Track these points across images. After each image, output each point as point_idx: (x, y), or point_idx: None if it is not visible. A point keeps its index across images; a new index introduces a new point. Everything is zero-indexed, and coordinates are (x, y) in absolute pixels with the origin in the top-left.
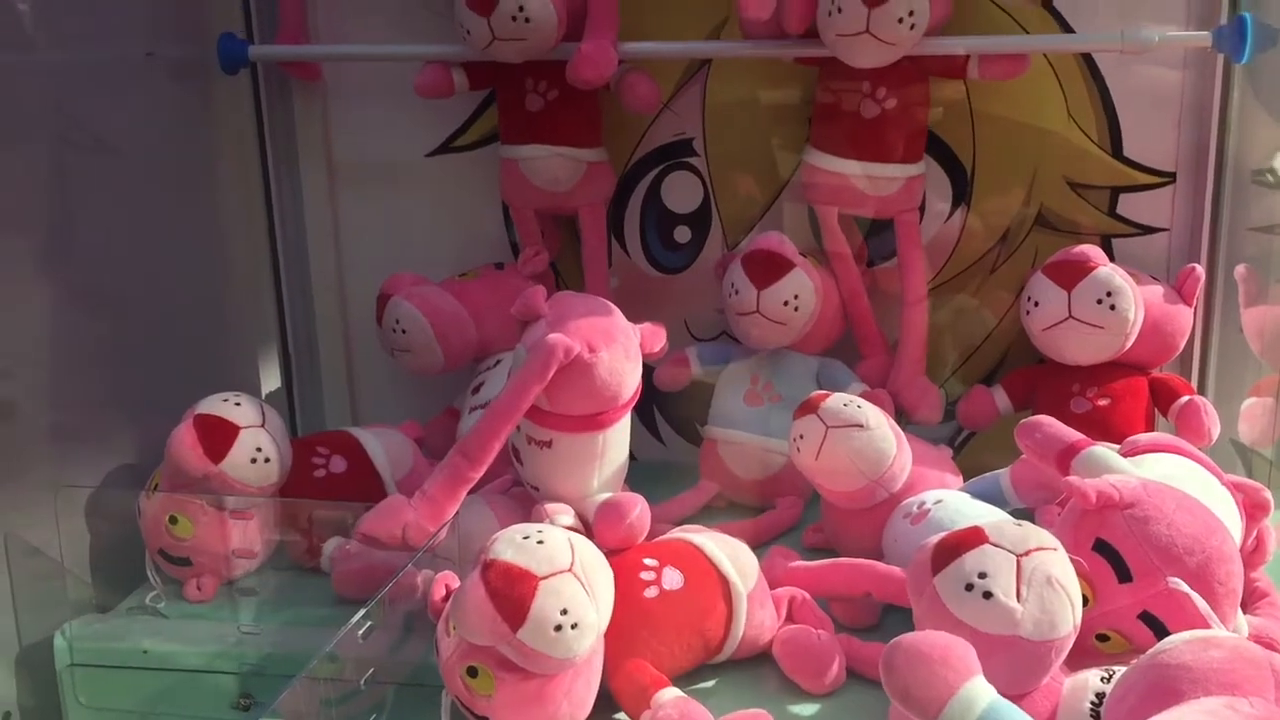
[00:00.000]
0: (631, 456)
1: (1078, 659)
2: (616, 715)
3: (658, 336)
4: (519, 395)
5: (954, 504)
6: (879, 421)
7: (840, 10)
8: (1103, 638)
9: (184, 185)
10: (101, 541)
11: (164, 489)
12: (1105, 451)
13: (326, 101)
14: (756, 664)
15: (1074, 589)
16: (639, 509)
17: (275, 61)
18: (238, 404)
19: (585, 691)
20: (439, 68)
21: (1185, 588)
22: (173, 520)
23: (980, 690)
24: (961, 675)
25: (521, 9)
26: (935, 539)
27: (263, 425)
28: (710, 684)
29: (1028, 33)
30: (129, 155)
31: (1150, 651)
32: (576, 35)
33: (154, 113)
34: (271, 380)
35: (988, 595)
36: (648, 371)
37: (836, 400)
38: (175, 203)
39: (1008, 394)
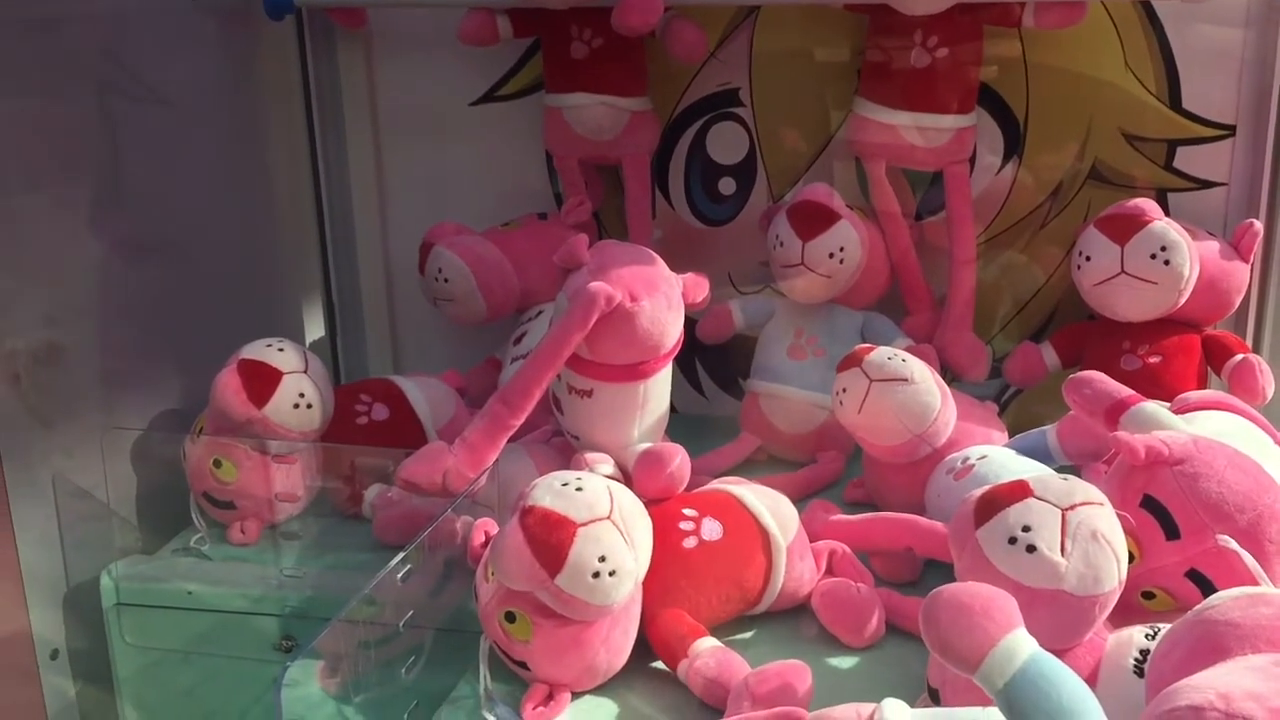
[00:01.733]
0: (672, 409)
1: (1123, 616)
2: (654, 663)
3: (700, 287)
4: (560, 343)
5: (999, 459)
6: (924, 376)
7: None
8: (1148, 595)
9: (229, 133)
10: (147, 484)
11: (209, 433)
12: (1155, 407)
13: (371, 49)
14: (795, 616)
15: (1119, 544)
16: (679, 459)
17: (320, 8)
18: (281, 350)
19: (623, 639)
20: (483, 14)
21: (1235, 545)
22: (217, 464)
23: (1022, 642)
24: (1003, 627)
25: None
26: (979, 492)
27: (305, 371)
28: (749, 635)
29: None
30: (175, 103)
31: (1197, 607)
32: None
33: (199, 60)
34: (315, 329)
35: (1031, 549)
36: (690, 323)
37: (881, 354)
38: (221, 151)
39: (1056, 351)
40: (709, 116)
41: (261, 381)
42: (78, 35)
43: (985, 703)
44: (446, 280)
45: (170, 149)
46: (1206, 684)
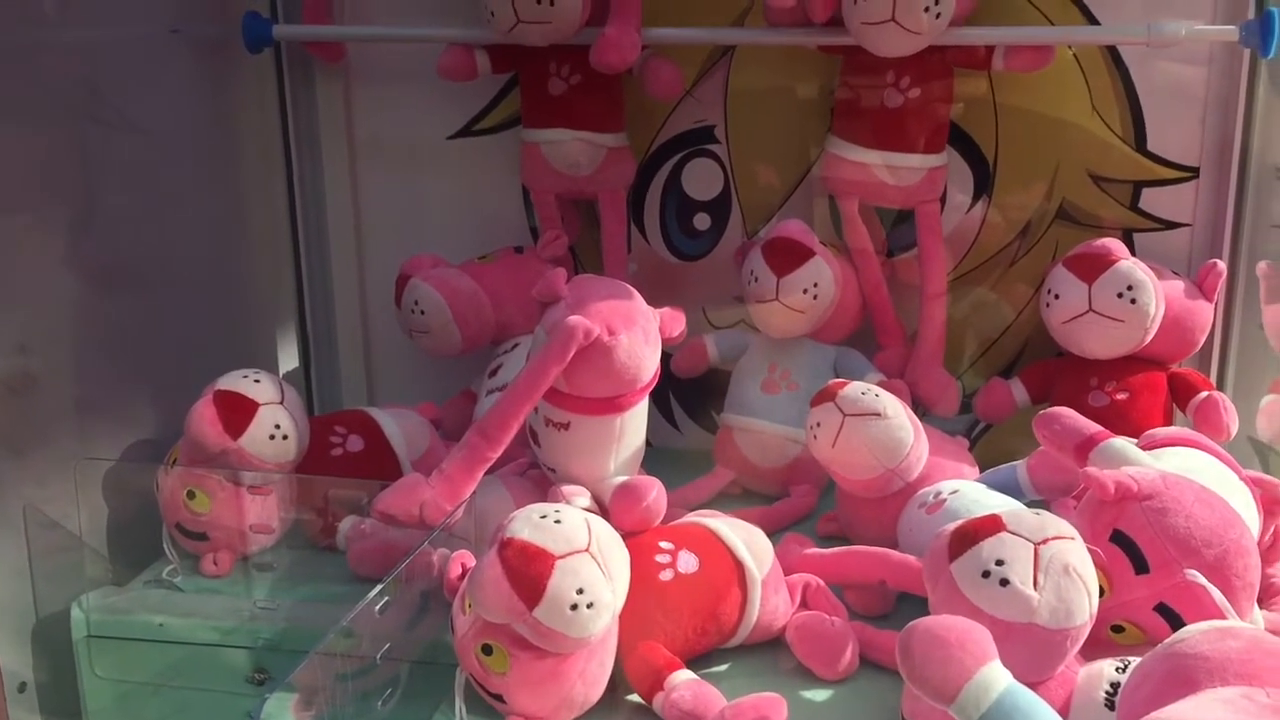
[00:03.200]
0: (646, 442)
1: (1093, 650)
2: (629, 695)
3: (677, 321)
4: (538, 376)
5: (970, 494)
6: (896, 410)
7: None
8: (1118, 629)
9: (207, 163)
10: (119, 515)
11: (182, 463)
12: (1124, 444)
13: (349, 82)
14: (770, 649)
15: (1091, 578)
16: (655, 492)
17: (299, 41)
18: (257, 381)
19: (599, 671)
20: (462, 50)
21: (1202, 580)
22: (190, 495)
23: (997, 674)
24: (978, 659)
25: None
26: (953, 526)
27: (281, 402)
28: (723, 668)
29: (1053, 24)
30: (153, 133)
31: (1167, 641)
32: (600, 20)
33: (178, 91)
34: (290, 360)
35: (1004, 582)
36: (665, 357)
37: (854, 389)
38: (198, 181)
39: (1025, 386)
40: (685, 153)
41: (237, 412)
42: (56, 65)
43: None
44: (422, 313)
45: (147, 178)
46: (1176, 716)
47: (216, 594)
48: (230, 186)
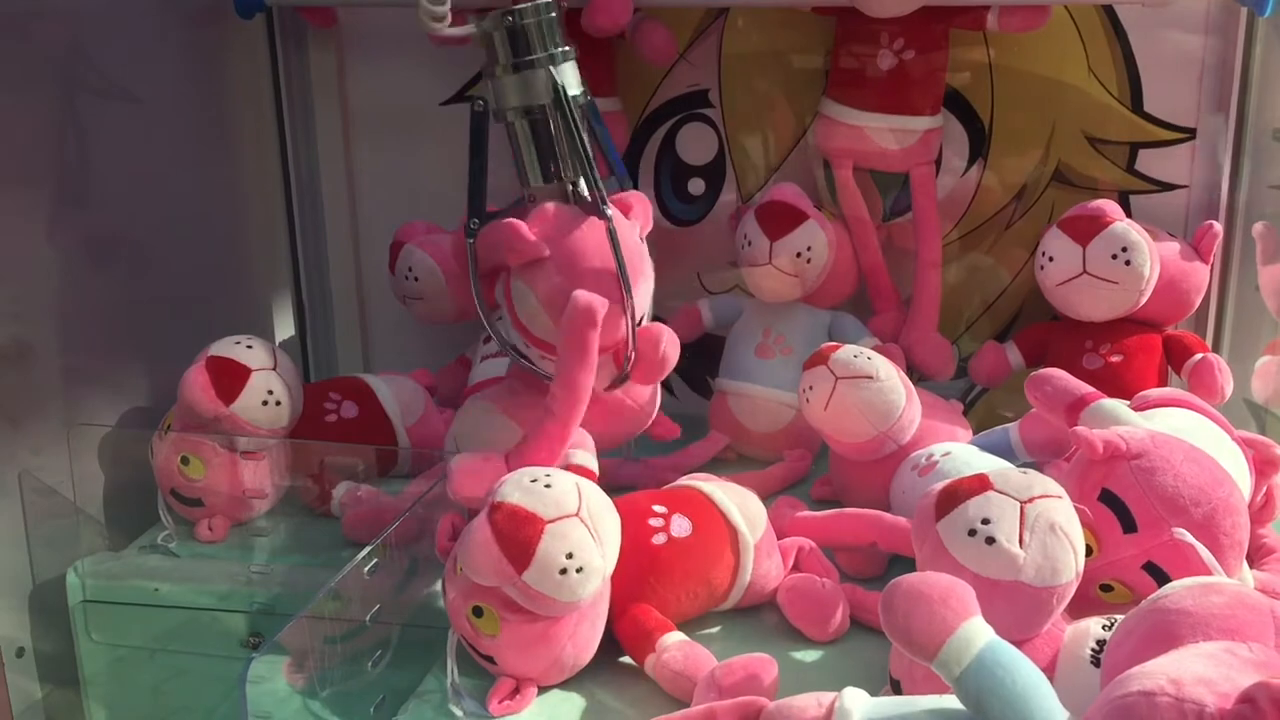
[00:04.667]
0: None
1: (1081, 609)
2: (621, 658)
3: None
4: (580, 355)
5: (962, 456)
6: (889, 373)
7: None
8: (1106, 588)
9: (198, 131)
10: (115, 481)
11: (176, 430)
12: (1114, 404)
13: (342, 48)
14: (762, 611)
15: (1077, 536)
16: (667, 338)
17: (291, 7)
18: (249, 347)
19: (590, 634)
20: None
21: (1190, 538)
22: (184, 461)
23: (979, 629)
24: (960, 615)
25: None
26: (940, 485)
27: (274, 368)
28: (715, 630)
29: None
30: (143, 100)
31: (1151, 597)
32: None
33: (168, 58)
34: (285, 327)
35: (990, 541)
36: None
37: (846, 351)
38: (190, 148)
39: (1020, 350)
40: (678, 117)
41: (230, 378)
42: (43, 33)
43: (944, 693)
44: (416, 279)
45: (138, 146)
46: (1159, 670)
47: (212, 559)
48: (223, 153)
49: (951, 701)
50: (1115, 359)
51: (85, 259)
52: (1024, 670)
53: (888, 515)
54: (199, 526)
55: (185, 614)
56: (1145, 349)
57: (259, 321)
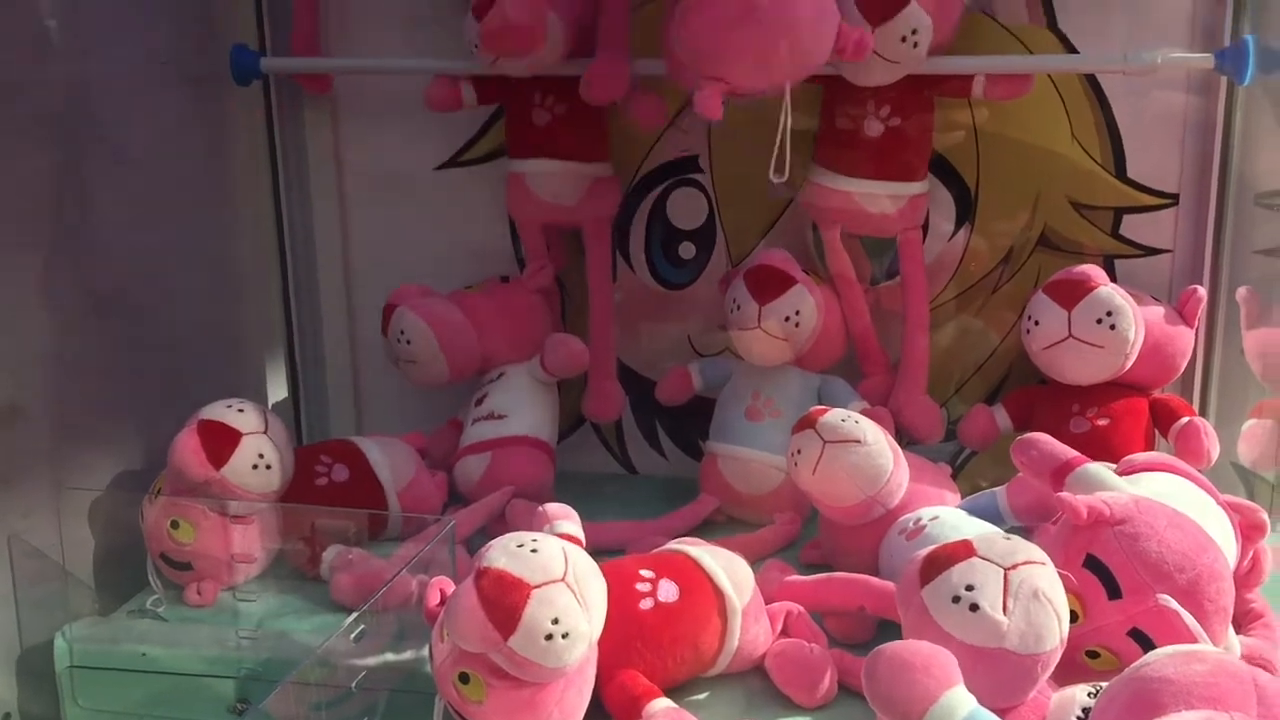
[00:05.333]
0: (633, 470)
1: (1067, 675)
2: None
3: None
4: None
5: (950, 520)
6: (876, 437)
7: None
8: (1092, 654)
9: (196, 193)
10: (104, 545)
11: (167, 494)
12: (1099, 469)
13: (337, 113)
14: (750, 677)
15: (1061, 603)
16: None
17: (287, 74)
18: (241, 410)
19: (577, 700)
20: (448, 81)
21: (1175, 605)
22: (174, 524)
23: (961, 699)
24: (942, 684)
25: None
26: (925, 551)
27: (265, 432)
28: (703, 696)
29: (1032, 53)
30: (143, 163)
31: (1134, 664)
32: (583, 50)
33: (168, 122)
34: (278, 389)
35: (974, 608)
36: (650, 385)
37: (834, 415)
38: (187, 210)
39: (1008, 413)
40: (669, 182)
41: (221, 442)
42: (47, 96)
43: None
44: (409, 342)
45: (136, 208)
46: None
47: (200, 624)
48: (220, 215)
49: None
50: (1102, 422)
51: (80, 320)
52: None
53: (875, 580)
54: (188, 591)
55: (173, 679)
56: (1132, 413)
57: (252, 382)
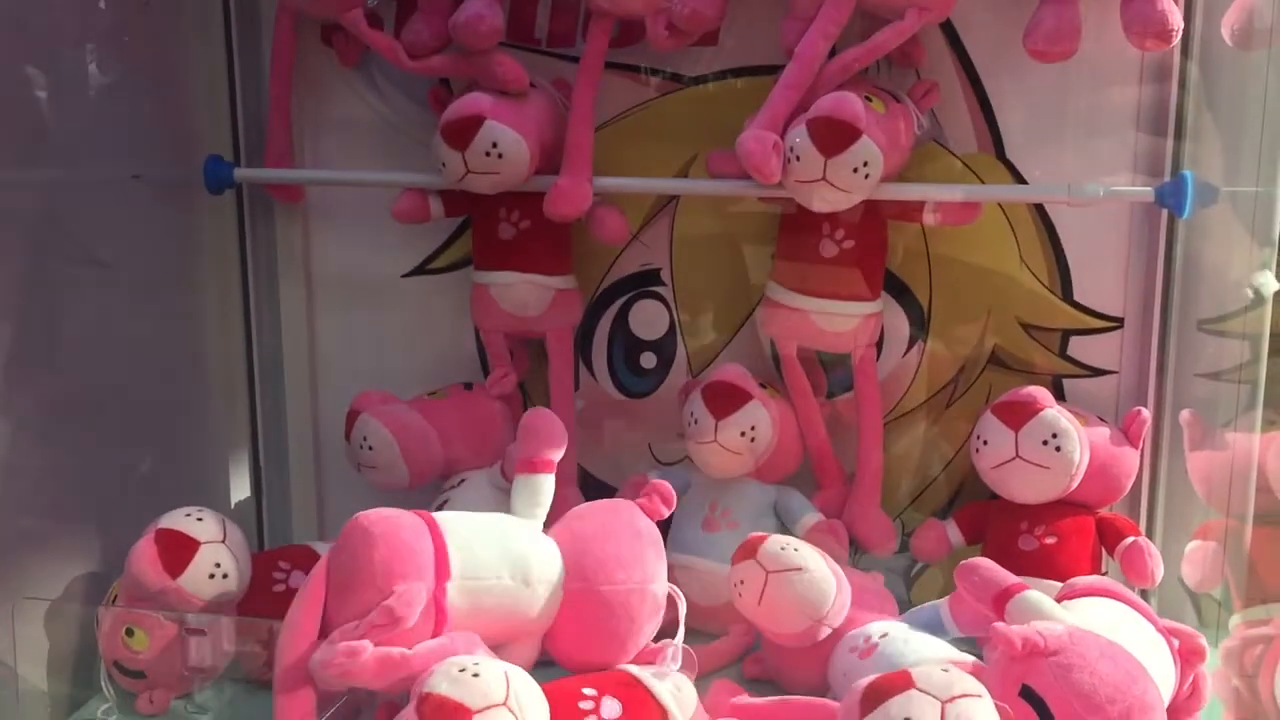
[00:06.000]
0: None
1: None
2: None
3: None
4: None
5: (900, 636)
6: (818, 563)
7: (799, 158)
8: None
9: (165, 298)
10: (57, 652)
11: (123, 602)
12: (1038, 597)
13: (308, 221)
14: None
15: None
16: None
17: (260, 183)
18: (200, 519)
19: None
20: (417, 195)
21: None
22: (129, 632)
23: None
24: None
25: (495, 145)
26: (865, 682)
27: (223, 540)
28: None
29: (982, 182)
30: (113, 268)
31: None
32: (548, 168)
33: (139, 227)
34: (241, 490)
35: None
36: (611, 492)
37: (774, 544)
38: (155, 315)
39: (960, 528)
40: (631, 294)
41: (178, 550)
42: (15, 200)
43: None
44: (371, 448)
45: (104, 311)
46: None
47: None
48: (188, 320)
49: None
50: (1050, 541)
51: (41, 424)
52: None
53: (833, 704)
54: (140, 699)
55: None
56: (1079, 531)
57: (215, 483)
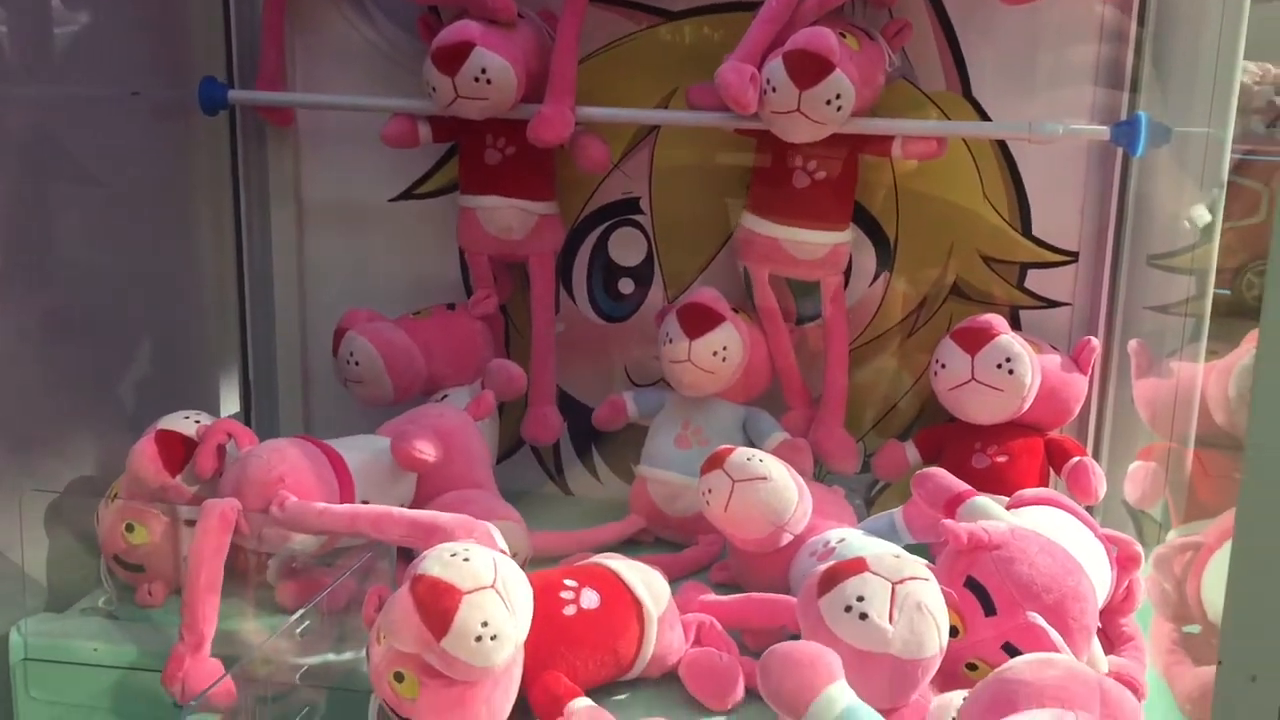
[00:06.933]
0: (569, 492)
1: (949, 686)
2: None
3: None
4: None
5: (856, 542)
6: (781, 473)
7: (774, 90)
8: (972, 666)
9: (159, 216)
10: (60, 546)
11: (123, 499)
12: (986, 501)
13: (299, 145)
14: (665, 682)
15: (941, 615)
16: None
17: (253, 106)
18: (197, 422)
19: (503, 700)
20: (406, 120)
21: (1041, 621)
22: (129, 528)
23: (841, 692)
24: (825, 679)
25: (484, 71)
26: (823, 567)
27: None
28: (622, 697)
29: (948, 119)
30: (109, 185)
31: (998, 669)
32: (535, 96)
33: (135, 147)
34: (231, 405)
35: (864, 616)
36: (587, 411)
37: (740, 455)
38: (150, 232)
39: (918, 448)
40: (611, 222)
41: (177, 450)
42: (12, 119)
43: None
44: (357, 364)
45: (100, 227)
46: None
47: (150, 623)
48: (181, 239)
49: None
50: (1001, 459)
51: (42, 334)
52: None
53: (794, 599)
54: (139, 591)
55: (123, 673)
56: (1028, 451)
57: (207, 398)
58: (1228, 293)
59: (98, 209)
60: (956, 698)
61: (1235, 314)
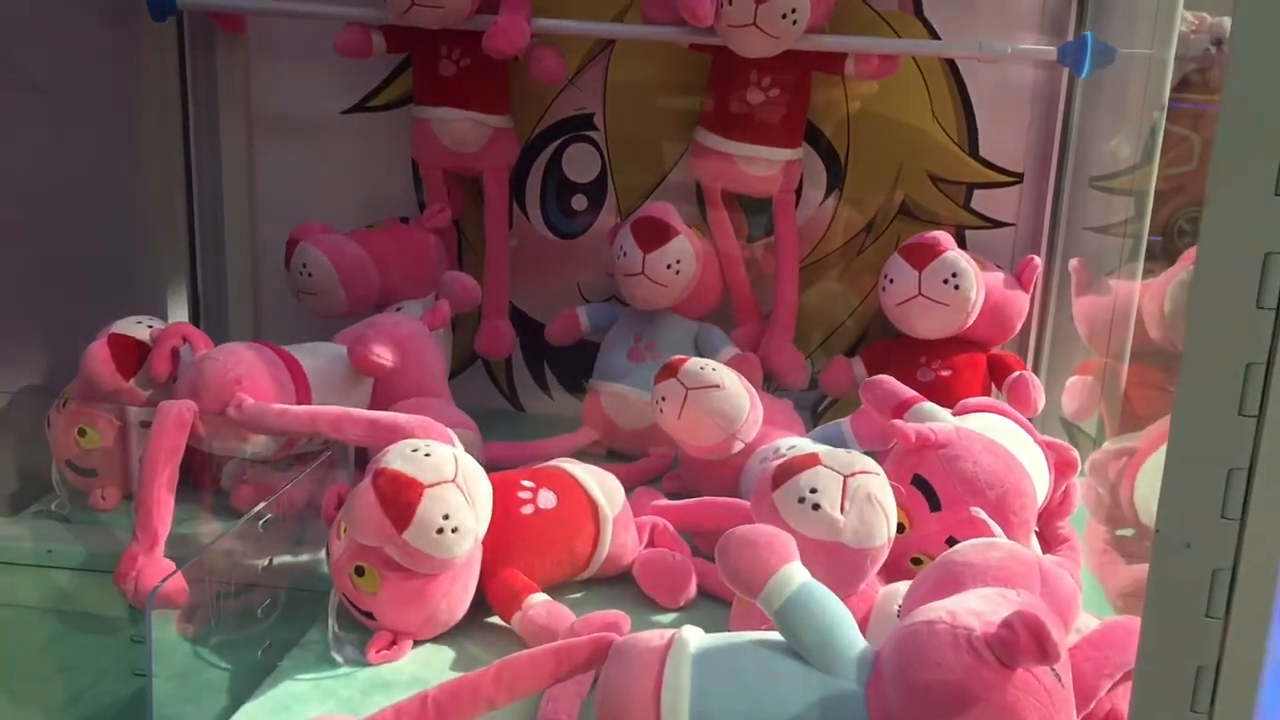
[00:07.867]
0: (520, 408)
1: (896, 579)
2: (490, 618)
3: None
4: None
5: (806, 449)
6: (733, 382)
7: (730, 3)
8: (916, 561)
9: (106, 124)
10: (10, 452)
11: (74, 404)
12: (933, 407)
13: (249, 54)
14: (619, 582)
15: (890, 507)
16: None
17: (202, 11)
18: (150, 326)
19: (462, 593)
20: (359, 29)
21: (984, 516)
22: (81, 432)
23: (796, 571)
24: (782, 559)
25: None
26: (777, 461)
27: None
28: (577, 595)
29: (899, 37)
30: (54, 91)
31: (944, 554)
32: (490, 7)
33: (79, 52)
34: (180, 316)
35: (816, 507)
36: (539, 326)
37: (694, 364)
38: (96, 140)
39: (865, 364)
40: (565, 138)
41: (130, 354)
42: None
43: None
44: (310, 275)
45: (46, 135)
46: (940, 606)
47: (103, 525)
48: (129, 148)
49: (772, 635)
50: (945, 373)
51: None
52: (831, 606)
53: (745, 502)
54: (92, 495)
55: (77, 574)
56: (971, 366)
57: (155, 309)
58: (1159, 239)
59: (41, 114)
60: (902, 587)
61: (1169, 260)
